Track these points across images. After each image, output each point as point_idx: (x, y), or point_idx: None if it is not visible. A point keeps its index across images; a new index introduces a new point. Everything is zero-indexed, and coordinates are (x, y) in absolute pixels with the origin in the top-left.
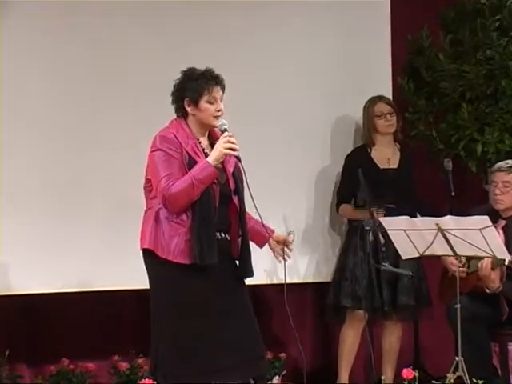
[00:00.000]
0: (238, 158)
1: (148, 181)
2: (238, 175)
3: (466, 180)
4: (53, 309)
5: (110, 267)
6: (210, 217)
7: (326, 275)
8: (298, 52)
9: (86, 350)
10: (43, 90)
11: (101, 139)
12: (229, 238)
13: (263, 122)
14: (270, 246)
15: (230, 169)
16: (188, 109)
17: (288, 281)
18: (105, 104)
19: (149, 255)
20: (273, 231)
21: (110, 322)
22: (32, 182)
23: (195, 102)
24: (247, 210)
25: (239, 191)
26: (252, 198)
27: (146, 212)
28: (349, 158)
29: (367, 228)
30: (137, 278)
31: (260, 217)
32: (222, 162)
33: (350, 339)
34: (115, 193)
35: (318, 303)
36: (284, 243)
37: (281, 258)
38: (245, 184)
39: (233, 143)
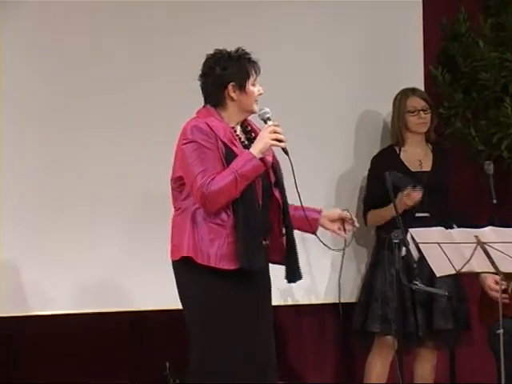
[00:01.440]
0: (284, 150)
1: (178, 179)
2: (276, 164)
3: (510, 185)
4: (31, 333)
5: (102, 287)
6: (254, 214)
7: (349, 295)
8: (318, 40)
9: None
10: (44, 88)
11: (110, 135)
12: (268, 242)
13: (277, 118)
14: (324, 226)
15: (269, 159)
16: (233, 94)
17: (305, 301)
18: (107, 102)
19: (186, 264)
20: (320, 210)
21: (99, 349)
22: (31, 186)
23: (242, 86)
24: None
25: (280, 184)
26: (299, 196)
27: (176, 216)
28: (375, 161)
29: (396, 241)
30: (130, 299)
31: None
32: None
33: (377, 368)
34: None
35: (340, 327)
36: (341, 220)
37: (343, 233)
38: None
39: (280, 133)
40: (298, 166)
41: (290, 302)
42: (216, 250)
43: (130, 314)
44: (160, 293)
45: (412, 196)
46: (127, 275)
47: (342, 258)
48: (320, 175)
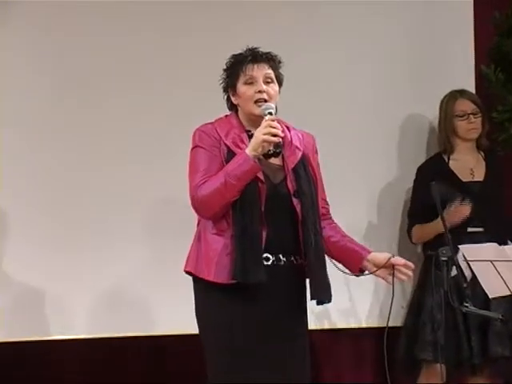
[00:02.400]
0: (279, 145)
1: None
2: (303, 171)
3: None
4: (44, 358)
5: (119, 310)
6: (253, 223)
7: (393, 318)
8: (362, 39)
9: None
10: (44, 88)
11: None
12: (295, 261)
13: (312, 123)
14: (369, 270)
15: (292, 164)
16: (233, 99)
17: (343, 325)
18: (108, 102)
19: (193, 279)
20: (369, 251)
21: (118, 377)
22: (38, 202)
23: (234, 88)
24: (341, 223)
25: (303, 193)
26: None
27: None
28: (422, 170)
29: (444, 259)
30: (151, 323)
31: None
32: (283, 156)
33: None
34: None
35: (382, 353)
36: (391, 266)
37: (392, 279)
38: None
39: (274, 127)
40: (335, 176)
41: (326, 326)
42: (215, 262)
43: (150, 339)
44: (182, 316)
45: (460, 211)
46: (147, 296)
47: (393, 276)
48: (360, 186)
